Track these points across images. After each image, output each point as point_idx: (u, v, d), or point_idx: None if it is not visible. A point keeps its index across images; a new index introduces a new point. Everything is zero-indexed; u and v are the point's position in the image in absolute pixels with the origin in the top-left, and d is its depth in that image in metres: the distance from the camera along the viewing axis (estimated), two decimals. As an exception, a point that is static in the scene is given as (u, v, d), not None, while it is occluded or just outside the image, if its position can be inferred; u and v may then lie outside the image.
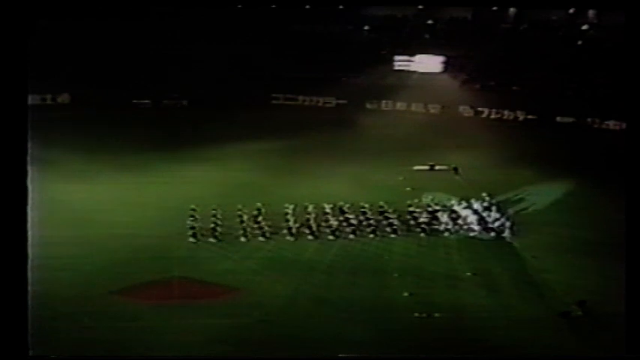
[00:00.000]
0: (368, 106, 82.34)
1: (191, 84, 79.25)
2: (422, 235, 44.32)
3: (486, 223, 45.44)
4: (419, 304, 34.93)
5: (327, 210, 46.00)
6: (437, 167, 57.95)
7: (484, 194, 48.78)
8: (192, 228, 43.25)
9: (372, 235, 43.97)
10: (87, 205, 47.22)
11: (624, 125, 70.28)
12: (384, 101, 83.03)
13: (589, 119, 75.57)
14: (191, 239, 42.51)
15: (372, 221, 45.00)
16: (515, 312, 34.93)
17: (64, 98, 77.58)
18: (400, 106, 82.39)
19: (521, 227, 45.26)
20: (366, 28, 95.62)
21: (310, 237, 43.50)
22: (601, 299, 34.95)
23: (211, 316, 33.38)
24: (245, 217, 44.49)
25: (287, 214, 44.88)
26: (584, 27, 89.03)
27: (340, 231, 44.13)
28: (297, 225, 44.01)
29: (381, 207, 46.63)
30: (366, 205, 46.74)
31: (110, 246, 40.94)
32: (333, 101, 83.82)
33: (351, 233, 44.01)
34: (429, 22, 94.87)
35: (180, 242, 41.99)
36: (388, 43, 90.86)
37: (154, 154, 60.14)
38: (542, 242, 43.82)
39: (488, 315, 34.49)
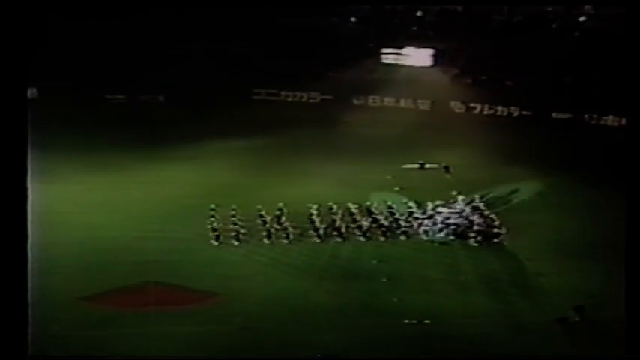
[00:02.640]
0: (354, 101, 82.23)
1: (168, 78, 78.80)
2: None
3: (447, 226, 45.35)
4: (409, 309, 34.94)
5: (354, 210, 46.37)
6: (427, 166, 57.95)
7: (454, 192, 48.80)
8: (215, 230, 43.28)
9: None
10: (56, 207, 46.82)
11: (623, 121, 70.63)
12: (371, 96, 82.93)
13: (586, 115, 75.79)
14: (214, 242, 42.69)
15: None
16: (509, 318, 34.99)
17: (31, 93, 76.86)
18: (388, 101, 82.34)
19: (515, 228, 45.32)
20: (352, 19, 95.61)
21: (339, 239, 43.96)
22: (600, 304, 35.03)
23: (189, 323, 33.26)
24: (268, 218, 44.55)
25: (312, 214, 45.17)
26: (582, 18, 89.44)
27: (371, 232, 44.62)
28: (324, 226, 44.37)
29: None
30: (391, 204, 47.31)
31: (81, 249, 40.74)
32: (317, 97, 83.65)
33: (382, 235, 44.45)
34: (419, 13, 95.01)
35: (157, 245, 41.80)
36: (376, 35, 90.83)
37: (129, 153, 59.84)
38: (538, 244, 43.92)
39: (481, 321, 34.51)
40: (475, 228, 44.71)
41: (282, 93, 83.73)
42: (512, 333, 33.59)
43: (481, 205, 47.76)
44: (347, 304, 35.80)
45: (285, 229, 43.84)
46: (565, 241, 44.44)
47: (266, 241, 43.24)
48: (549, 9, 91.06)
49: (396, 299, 36.13)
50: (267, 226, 43.96)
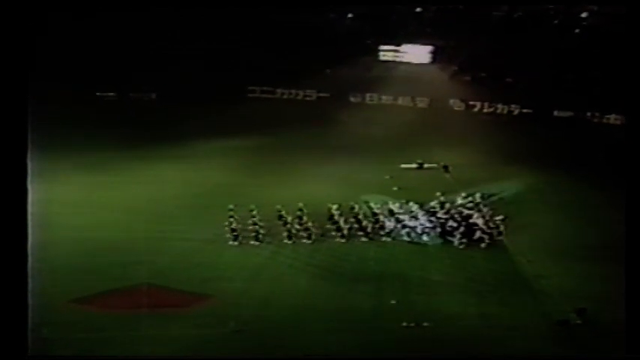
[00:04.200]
0: (351, 99, 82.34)
1: (160, 76, 78.73)
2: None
3: (432, 227, 45.25)
4: (406, 312, 34.93)
5: (376, 210, 46.63)
6: (426, 165, 58.09)
7: (438, 193, 48.87)
8: (234, 230, 43.38)
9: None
10: (46, 207, 46.68)
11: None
12: (368, 94, 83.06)
13: (588, 113, 75.97)
14: (233, 242, 42.82)
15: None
16: (509, 321, 34.92)
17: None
18: (386, 99, 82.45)
19: (515, 229, 45.39)
20: (349, 16, 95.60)
21: (365, 239, 44.24)
22: (602, 306, 35.00)
23: (183, 326, 33.17)
24: (290, 218, 44.72)
25: (332, 215, 45.52)
26: (584, 14, 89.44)
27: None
28: (347, 226, 44.62)
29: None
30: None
31: (71, 251, 40.55)
32: (314, 94, 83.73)
33: (406, 236, 44.71)
34: (417, 9, 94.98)
35: (149, 246, 41.73)
36: (373, 32, 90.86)
37: (120, 152, 59.77)
38: (538, 245, 43.96)
39: (480, 324, 34.51)
40: (461, 229, 44.72)
41: (278, 91, 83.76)
42: (513, 336, 33.52)
43: (469, 205, 47.80)
44: (344, 307, 35.78)
45: (308, 229, 43.97)
46: (566, 242, 44.53)
47: (287, 241, 43.39)
48: (550, 4, 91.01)
49: (393, 302, 36.14)
50: (289, 226, 44.13)
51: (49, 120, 63.68)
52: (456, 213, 46.36)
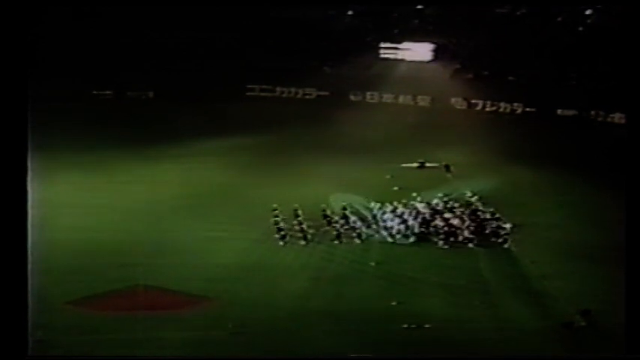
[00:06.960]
0: (352, 97, 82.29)
1: (157, 73, 78.79)
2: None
3: (406, 227, 45.42)
4: (408, 314, 35.07)
5: (423, 210, 46.97)
6: (427, 165, 58.12)
7: (414, 194, 49.05)
8: (281, 229, 43.86)
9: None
10: (42, 208, 46.79)
11: (631, 119, 70.67)
12: (369, 93, 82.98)
13: (592, 112, 75.91)
14: (280, 242, 43.25)
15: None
16: (513, 323, 35.06)
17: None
18: (387, 97, 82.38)
19: (519, 230, 45.52)
20: (349, 13, 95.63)
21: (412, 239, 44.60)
22: (606, 308, 35.00)
23: (179, 328, 33.32)
24: (336, 218, 45.55)
25: (375, 215, 46.21)
26: (589, 12, 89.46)
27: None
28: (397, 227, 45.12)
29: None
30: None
31: (67, 252, 40.61)
32: (313, 93, 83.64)
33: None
34: (418, 7, 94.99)
35: (146, 247, 41.85)
36: (374, 29, 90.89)
37: (117, 151, 59.80)
38: (542, 246, 44.05)
39: (483, 326, 34.65)
40: (444, 229, 44.96)
41: (277, 89, 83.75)
42: (517, 337, 33.72)
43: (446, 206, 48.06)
44: (344, 308, 35.93)
45: (356, 227, 44.67)
46: (570, 242, 44.56)
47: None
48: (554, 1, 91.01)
49: (394, 303, 36.27)
50: (337, 226, 44.88)
51: (48, 120, 64.28)
52: (434, 213, 46.68)
